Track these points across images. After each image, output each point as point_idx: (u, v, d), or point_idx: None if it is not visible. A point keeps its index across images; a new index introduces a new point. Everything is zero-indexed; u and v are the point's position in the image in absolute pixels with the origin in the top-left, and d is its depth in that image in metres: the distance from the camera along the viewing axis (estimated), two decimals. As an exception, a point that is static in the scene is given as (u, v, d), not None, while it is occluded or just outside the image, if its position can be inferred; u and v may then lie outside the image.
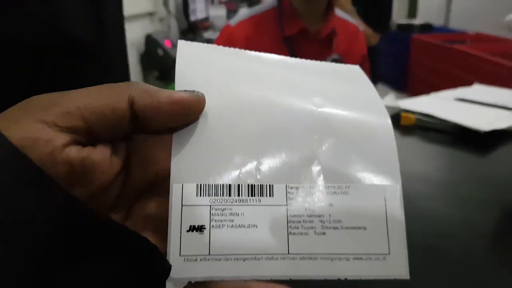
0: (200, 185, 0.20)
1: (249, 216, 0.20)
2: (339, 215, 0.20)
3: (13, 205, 0.15)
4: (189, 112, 0.20)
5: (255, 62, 0.25)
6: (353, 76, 0.26)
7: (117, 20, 0.44)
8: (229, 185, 0.20)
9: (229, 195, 0.20)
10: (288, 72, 0.25)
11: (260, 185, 0.20)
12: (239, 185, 0.20)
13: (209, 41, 2.68)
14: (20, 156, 0.15)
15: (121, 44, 0.44)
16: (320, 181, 0.21)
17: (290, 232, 0.20)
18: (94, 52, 0.42)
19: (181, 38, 2.82)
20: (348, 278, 0.20)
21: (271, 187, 0.20)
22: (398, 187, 0.21)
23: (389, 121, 0.22)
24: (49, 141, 0.17)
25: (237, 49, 0.25)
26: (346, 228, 0.20)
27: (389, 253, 0.20)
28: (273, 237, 0.20)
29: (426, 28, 2.94)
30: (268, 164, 0.21)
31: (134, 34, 2.30)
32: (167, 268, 0.19)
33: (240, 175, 0.20)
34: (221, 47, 0.25)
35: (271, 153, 0.21)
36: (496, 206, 0.49)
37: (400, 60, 2.74)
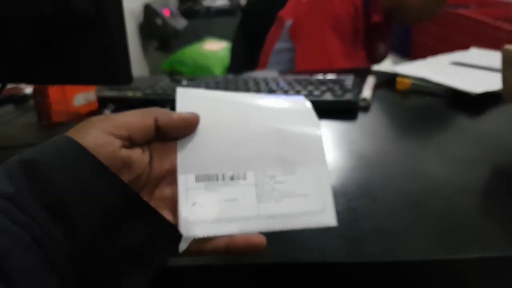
0: (198, 175, 0.30)
1: (231, 193, 0.30)
2: (290, 188, 0.31)
3: (92, 185, 0.25)
4: (190, 126, 0.31)
5: (233, 99, 0.35)
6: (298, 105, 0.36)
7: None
8: (217, 174, 0.31)
9: (217, 180, 0.30)
10: (255, 109, 0.34)
11: (238, 173, 0.31)
12: (223, 173, 0.31)
13: (208, 9, 2.63)
14: (93, 157, 0.26)
15: (118, 14, 0.45)
16: (275, 169, 0.31)
17: (259, 201, 0.30)
18: (93, 23, 0.44)
19: (179, 7, 2.77)
20: (297, 228, 0.30)
21: (244, 173, 0.31)
22: (326, 169, 0.32)
23: (319, 132, 0.33)
24: (111, 143, 0.27)
25: (223, 92, 0.35)
26: (295, 196, 0.31)
27: (323, 209, 0.30)
28: (248, 206, 0.30)
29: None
30: (242, 159, 0.31)
31: (132, 3, 2.27)
32: (178, 235, 0.28)
33: (224, 167, 0.31)
34: (212, 92, 0.35)
35: (243, 152, 0.31)
36: (484, 165, 0.51)
37: (404, 27, 2.70)
